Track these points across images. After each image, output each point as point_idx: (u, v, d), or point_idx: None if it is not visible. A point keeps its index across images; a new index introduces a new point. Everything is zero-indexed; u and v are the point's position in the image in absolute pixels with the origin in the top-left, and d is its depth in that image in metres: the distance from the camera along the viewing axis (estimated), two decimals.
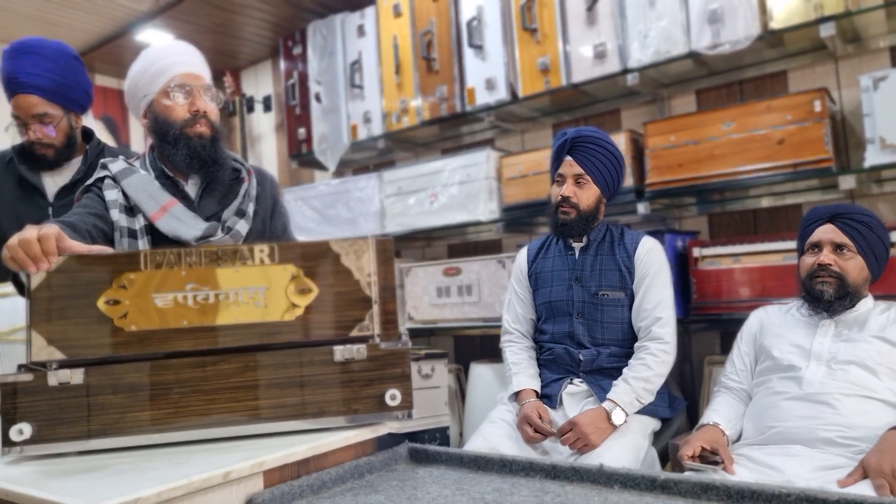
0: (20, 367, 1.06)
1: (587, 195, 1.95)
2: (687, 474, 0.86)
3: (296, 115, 3.51)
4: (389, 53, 3.14)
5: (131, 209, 1.54)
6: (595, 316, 1.93)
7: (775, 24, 2.22)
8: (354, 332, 1.13)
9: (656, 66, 2.45)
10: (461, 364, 3.18)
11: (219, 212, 1.61)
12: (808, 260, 1.71)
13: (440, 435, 2.81)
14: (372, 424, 1.14)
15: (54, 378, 1.03)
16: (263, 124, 4.15)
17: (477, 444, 1.81)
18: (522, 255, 2.13)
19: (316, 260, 1.13)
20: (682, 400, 2.02)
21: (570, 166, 1.96)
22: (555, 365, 1.99)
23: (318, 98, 3.36)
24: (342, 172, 3.68)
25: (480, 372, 2.87)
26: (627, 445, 1.73)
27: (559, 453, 1.80)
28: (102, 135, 3.30)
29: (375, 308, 1.14)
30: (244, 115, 3.98)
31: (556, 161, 2.00)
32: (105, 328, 1.04)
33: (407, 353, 1.13)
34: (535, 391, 1.94)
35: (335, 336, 1.12)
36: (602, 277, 1.95)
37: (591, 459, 1.69)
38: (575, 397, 1.91)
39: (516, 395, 1.95)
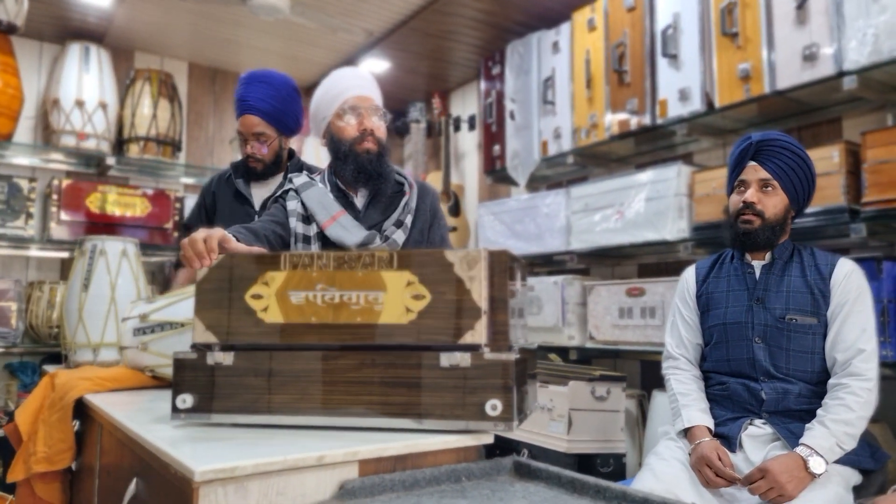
0: (191, 347, 1.27)
1: (774, 202, 1.76)
2: None
3: (491, 133, 3.64)
4: (581, 68, 3.12)
5: (307, 218, 1.75)
6: (780, 342, 1.72)
7: None
8: (464, 340, 1.16)
9: (880, 67, 2.11)
10: (645, 390, 3.01)
11: (380, 222, 1.75)
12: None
13: (614, 461, 2.69)
14: (475, 432, 1.16)
15: (211, 358, 1.22)
16: (468, 142, 4.36)
17: (648, 482, 1.68)
18: (690, 273, 1.97)
19: (431, 268, 1.18)
20: (884, 452, 1.71)
21: (754, 171, 1.78)
22: (729, 402, 1.81)
23: (512, 115, 3.45)
24: (537, 188, 3.72)
25: (662, 401, 2.70)
26: (830, 499, 1.52)
27: (743, 503, 1.63)
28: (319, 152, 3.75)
29: (484, 318, 1.16)
30: (450, 135, 4.21)
31: (738, 168, 1.83)
32: (250, 319, 1.21)
33: (511, 364, 1.14)
34: (709, 428, 1.77)
35: (444, 342, 1.16)
36: (789, 300, 1.73)
37: None
38: (758, 440, 1.71)
39: (686, 432, 1.81)
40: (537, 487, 1.09)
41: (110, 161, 3.52)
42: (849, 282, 1.69)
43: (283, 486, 0.98)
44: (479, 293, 1.16)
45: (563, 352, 3.19)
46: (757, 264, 1.81)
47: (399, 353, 1.17)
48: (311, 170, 2.27)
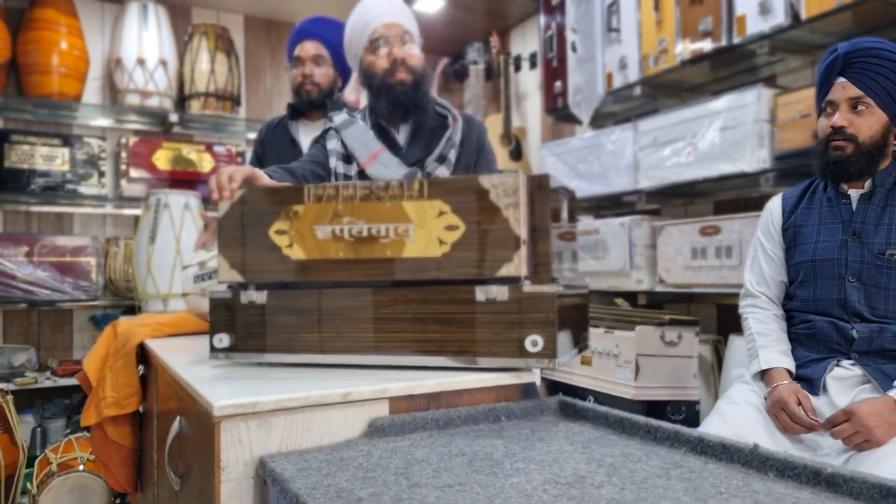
0: (227, 286, 1.23)
1: (869, 123, 1.54)
2: (863, 473, 0.64)
3: (552, 69, 3.44)
4: None
5: (348, 157, 1.68)
6: (878, 281, 1.53)
7: None
8: (501, 272, 1.06)
9: None
10: (722, 335, 2.83)
11: (423, 158, 1.66)
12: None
13: (686, 409, 2.56)
14: (516, 370, 1.07)
15: (245, 297, 1.18)
16: (529, 82, 4.17)
17: (716, 426, 1.56)
18: (776, 204, 1.78)
19: (464, 196, 1.09)
20: None
21: (842, 89, 1.57)
22: (813, 341, 1.64)
23: (573, 48, 3.24)
24: (602, 127, 3.51)
25: (740, 346, 2.52)
26: None
27: (825, 449, 1.49)
28: None
29: (523, 249, 1.06)
30: (510, 74, 4.03)
31: (825, 86, 1.62)
32: (274, 256, 1.16)
33: (553, 297, 1.03)
34: (788, 371, 1.62)
35: (481, 275, 1.07)
36: (892, 233, 1.53)
37: (871, 460, 1.36)
38: (845, 383, 1.55)
39: (763, 374, 1.66)
40: (582, 428, 1.00)
41: (173, 118, 3.56)
42: None
43: (307, 422, 0.93)
44: (518, 221, 1.06)
45: (631, 297, 3.03)
46: (854, 193, 1.61)
47: (432, 287, 1.10)
48: (352, 108, 2.20)
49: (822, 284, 1.62)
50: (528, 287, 1.05)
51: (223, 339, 1.19)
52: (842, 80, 1.56)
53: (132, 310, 3.04)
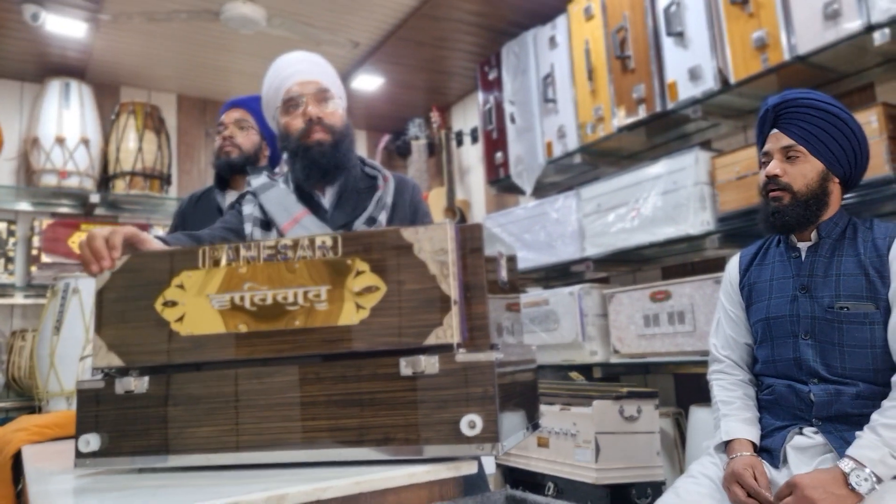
0: (103, 374, 1.02)
1: (803, 171, 1.48)
2: None
3: (493, 140, 3.40)
4: (581, 60, 2.88)
5: (267, 223, 1.51)
6: (831, 337, 1.43)
7: None
8: (430, 340, 0.90)
9: None
10: (682, 407, 2.69)
11: (350, 221, 1.51)
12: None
13: (652, 491, 2.36)
14: (454, 459, 0.88)
15: (121, 386, 0.97)
16: (472, 156, 4.14)
17: (669, 502, 1.43)
18: (733, 264, 1.69)
19: (385, 252, 0.93)
20: None
21: (776, 140, 1.52)
22: (777, 408, 1.52)
23: (512, 119, 3.21)
24: (545, 196, 3.46)
25: (702, 417, 2.37)
26: None
27: None
28: None
29: (455, 311, 0.90)
30: (451, 148, 4.00)
31: (760, 139, 1.58)
32: (161, 332, 0.96)
33: (492, 366, 0.87)
34: (750, 442, 1.49)
35: (406, 344, 0.90)
36: (840, 285, 1.44)
37: None
38: (805, 453, 1.42)
39: (726, 445, 1.52)
40: None
41: (94, 199, 3.35)
42: None
43: None
44: (448, 279, 0.90)
45: (585, 370, 2.88)
46: (803, 246, 1.53)
47: (349, 362, 0.92)
48: (273, 172, 2.06)
49: (777, 344, 1.52)
50: (461, 356, 0.88)
51: (90, 442, 0.97)
52: (774, 131, 1.53)
53: (33, 410, 2.71)
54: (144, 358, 0.97)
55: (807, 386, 1.45)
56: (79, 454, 0.97)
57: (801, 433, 1.45)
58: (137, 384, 0.97)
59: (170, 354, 0.96)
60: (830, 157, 1.47)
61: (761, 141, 1.56)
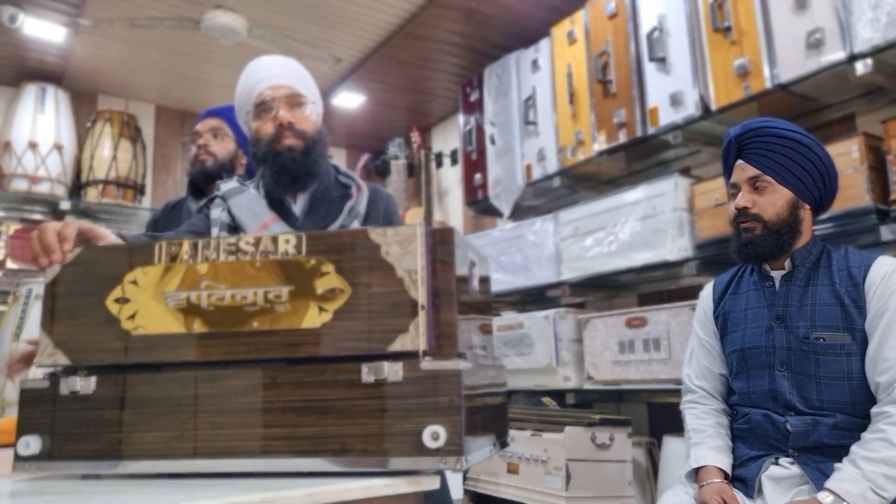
0: (48, 373, 0.96)
1: (772, 201, 1.47)
2: None
3: (472, 161, 3.39)
4: (563, 84, 2.90)
5: (235, 228, 1.47)
6: (807, 368, 1.41)
7: None
8: (395, 346, 0.85)
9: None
10: (655, 436, 2.65)
11: (321, 230, 1.46)
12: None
13: None
14: (411, 473, 0.84)
15: (66, 386, 0.91)
16: (451, 178, 4.13)
17: None
18: (707, 292, 1.67)
19: (351, 253, 0.89)
20: None
21: (741, 171, 1.50)
22: (753, 437, 1.49)
23: (492, 140, 3.21)
24: (523, 219, 3.45)
25: (675, 448, 2.34)
26: None
27: None
28: None
29: (422, 316, 0.86)
30: (431, 168, 3.98)
31: (726, 170, 1.56)
32: (111, 331, 0.91)
33: (459, 375, 0.83)
34: (720, 469, 1.45)
35: (370, 350, 0.86)
36: (815, 315, 1.42)
37: None
38: (781, 484, 1.39)
39: (696, 473, 1.48)
40: None
41: (65, 205, 3.27)
42: (888, 284, 1.37)
43: None
44: (416, 283, 0.86)
45: (559, 395, 2.84)
46: (776, 275, 1.51)
47: (308, 367, 0.87)
48: (244, 177, 2.02)
49: (753, 375, 1.49)
50: (427, 363, 0.84)
51: (30, 444, 0.91)
52: (739, 161, 1.51)
53: None
54: (93, 357, 0.91)
55: (783, 417, 1.42)
56: (18, 457, 0.90)
57: (776, 463, 1.42)
58: (84, 385, 0.91)
59: (120, 354, 0.90)
60: (799, 184, 1.46)
61: (727, 172, 1.55)
